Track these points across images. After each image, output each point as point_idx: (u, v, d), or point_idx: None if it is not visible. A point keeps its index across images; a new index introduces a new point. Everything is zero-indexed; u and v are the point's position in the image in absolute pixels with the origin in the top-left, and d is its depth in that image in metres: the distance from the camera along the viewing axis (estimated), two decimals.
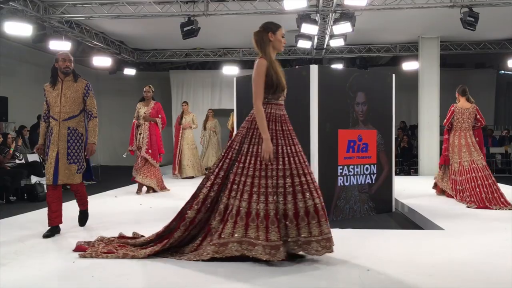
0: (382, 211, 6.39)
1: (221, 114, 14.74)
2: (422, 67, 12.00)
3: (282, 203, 3.52)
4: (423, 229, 5.37)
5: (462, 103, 6.88)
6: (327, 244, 3.51)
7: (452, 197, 6.85)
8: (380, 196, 6.37)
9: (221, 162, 3.72)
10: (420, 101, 11.98)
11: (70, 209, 5.35)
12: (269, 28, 3.77)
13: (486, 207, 6.11)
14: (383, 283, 3.17)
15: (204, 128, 12.45)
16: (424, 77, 11.92)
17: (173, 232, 3.75)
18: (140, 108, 8.07)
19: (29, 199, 8.07)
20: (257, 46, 3.76)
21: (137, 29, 11.68)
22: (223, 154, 3.78)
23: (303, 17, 9.41)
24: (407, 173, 12.25)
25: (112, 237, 4.19)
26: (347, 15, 9.42)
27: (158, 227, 5.02)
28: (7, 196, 8.05)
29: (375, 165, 6.30)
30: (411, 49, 13.20)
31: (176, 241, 3.73)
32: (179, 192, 8.17)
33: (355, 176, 6.07)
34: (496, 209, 6.05)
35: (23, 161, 8.97)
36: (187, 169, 10.82)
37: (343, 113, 5.97)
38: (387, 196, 6.54)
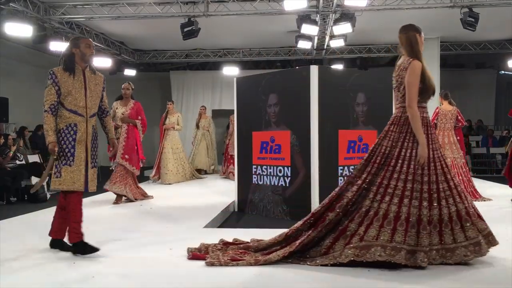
0: None
1: (222, 114, 14.76)
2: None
3: (427, 209, 3.47)
4: None
5: (445, 106, 7.55)
6: (476, 249, 3.46)
7: None
8: None
9: (368, 167, 3.64)
10: None
11: None
12: (417, 29, 3.85)
13: None
14: (383, 283, 3.17)
15: (197, 127, 11.79)
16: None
17: (307, 232, 3.64)
18: (117, 108, 7.16)
19: (30, 200, 8.07)
20: (407, 46, 3.84)
21: (137, 30, 11.68)
22: (367, 158, 3.69)
23: (303, 17, 9.41)
24: None
25: (219, 244, 3.97)
26: (347, 15, 9.42)
27: (160, 228, 5.03)
28: (8, 197, 8.05)
29: None
30: None
31: (309, 241, 3.60)
32: (177, 193, 8.17)
33: None
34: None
35: (23, 162, 8.97)
36: (169, 176, 9.68)
37: (344, 113, 5.98)
38: None
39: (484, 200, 7.00)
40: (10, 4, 8.48)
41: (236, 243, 3.99)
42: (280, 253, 3.60)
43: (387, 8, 9.28)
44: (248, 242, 3.96)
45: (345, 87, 6.01)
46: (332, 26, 10.10)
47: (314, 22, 9.61)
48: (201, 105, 12.61)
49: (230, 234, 4.85)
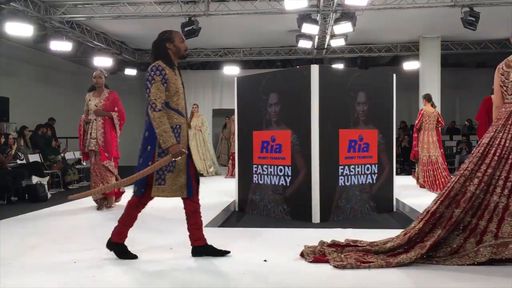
0: (383, 211, 6.39)
1: (222, 114, 14.77)
2: (423, 67, 12.00)
3: None
4: None
5: (428, 108, 8.23)
6: None
7: (424, 187, 8.11)
8: (381, 195, 6.37)
9: (486, 159, 3.60)
10: (421, 101, 11.94)
11: (70, 209, 5.35)
12: None
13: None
14: (384, 283, 3.17)
15: (188, 126, 11.77)
16: (425, 76, 11.91)
17: (433, 232, 3.59)
18: (90, 100, 6.35)
19: (30, 199, 8.07)
20: None
21: (138, 29, 11.69)
22: (482, 151, 3.66)
23: (304, 17, 9.42)
24: (408, 172, 12.20)
25: (325, 246, 3.85)
26: (347, 15, 9.43)
27: (160, 227, 5.03)
28: (8, 197, 8.04)
29: (376, 165, 6.30)
30: (412, 49, 13.20)
31: (438, 241, 3.56)
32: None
33: (356, 176, 6.06)
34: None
35: (24, 161, 8.98)
36: None
37: (344, 113, 5.97)
38: (388, 195, 6.54)
39: None
40: (11, 3, 8.49)
41: (351, 245, 3.86)
42: (411, 255, 3.53)
43: (388, 7, 9.28)
44: (357, 244, 3.86)
45: (345, 86, 6.00)
46: (332, 26, 10.10)
47: (314, 22, 9.61)
48: (193, 103, 11.86)
49: (231, 234, 4.86)
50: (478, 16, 8.98)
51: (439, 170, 7.99)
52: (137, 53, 14.45)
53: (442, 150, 8.45)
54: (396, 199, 6.74)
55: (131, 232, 4.80)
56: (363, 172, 6.15)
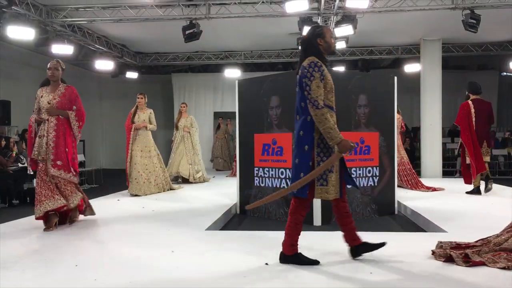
0: (385, 214, 6.38)
1: (224, 117, 14.77)
2: (424, 69, 11.99)
3: None
4: (425, 231, 5.36)
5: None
6: None
7: (401, 186, 8.39)
8: (382, 198, 6.36)
9: None
10: (422, 103, 11.97)
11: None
12: None
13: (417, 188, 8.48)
14: (385, 286, 3.16)
15: (176, 127, 10.31)
16: (426, 79, 11.90)
17: None
18: (42, 96, 5.24)
19: (32, 202, 8.07)
20: None
21: (139, 33, 11.71)
22: None
23: (305, 19, 9.42)
24: None
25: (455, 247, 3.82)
26: (348, 17, 9.43)
27: (162, 230, 5.02)
28: (10, 200, 8.06)
29: (378, 168, 6.30)
30: (413, 51, 13.20)
31: None
32: (179, 195, 8.16)
33: (358, 179, 6.06)
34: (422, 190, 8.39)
35: (25, 164, 8.99)
36: (134, 185, 7.98)
37: (345, 115, 5.97)
38: (390, 198, 6.53)
39: (434, 190, 8.35)
40: (13, 7, 8.52)
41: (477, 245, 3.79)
42: None
43: (389, 10, 9.28)
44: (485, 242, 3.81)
45: (346, 89, 6.00)
46: (333, 28, 10.10)
47: (315, 24, 9.62)
48: (181, 102, 11.20)
49: (232, 237, 4.86)
50: (479, 19, 8.98)
51: (412, 170, 8.75)
52: (138, 56, 14.47)
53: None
54: (398, 201, 6.73)
55: (132, 235, 4.81)
56: (364, 175, 6.14)
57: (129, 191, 8.05)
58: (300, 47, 3.72)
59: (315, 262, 3.60)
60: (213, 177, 11.52)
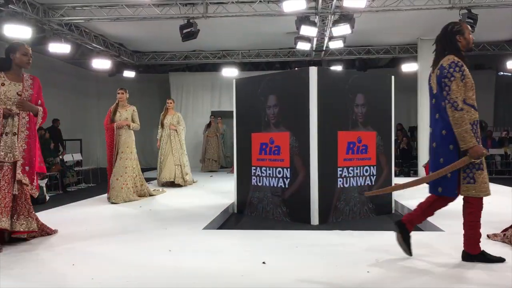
0: (382, 213, 6.39)
1: (222, 116, 14.74)
2: (421, 69, 12.00)
3: None
4: (422, 230, 5.37)
5: None
6: None
7: None
8: (380, 197, 6.37)
9: None
10: (420, 102, 11.98)
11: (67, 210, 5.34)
12: None
13: None
14: (382, 285, 3.17)
15: (161, 125, 9.44)
16: (423, 78, 11.90)
17: None
18: (2, 84, 4.35)
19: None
20: None
21: (136, 32, 11.69)
22: None
23: (302, 19, 9.42)
24: (407, 174, 12.23)
25: None
26: (346, 17, 9.44)
27: (159, 229, 5.02)
28: None
29: (375, 167, 6.30)
30: (410, 51, 13.22)
31: None
32: (176, 195, 8.15)
33: (355, 178, 6.07)
34: None
35: None
36: (111, 191, 7.12)
37: (343, 115, 5.98)
38: (387, 197, 6.54)
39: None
40: (9, 6, 8.49)
41: None
42: None
43: (386, 9, 9.30)
44: None
45: (344, 88, 6.01)
46: (331, 28, 10.12)
47: (313, 24, 9.62)
48: (168, 98, 10.32)
49: (229, 236, 4.86)
50: (476, 18, 9.00)
51: None
52: (136, 55, 14.45)
53: None
54: (395, 201, 6.74)
55: (130, 234, 4.80)
56: (361, 174, 6.15)
57: (109, 199, 7.17)
58: (435, 44, 3.71)
59: (500, 260, 3.56)
60: (211, 176, 11.51)
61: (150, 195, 7.74)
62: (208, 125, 14.00)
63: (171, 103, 9.66)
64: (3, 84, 4.35)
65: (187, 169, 9.44)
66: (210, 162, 13.48)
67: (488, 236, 4.23)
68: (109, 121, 7.46)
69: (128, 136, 7.43)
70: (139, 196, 7.45)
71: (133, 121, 7.56)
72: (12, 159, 4.27)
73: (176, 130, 9.34)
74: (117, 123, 7.39)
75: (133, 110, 7.64)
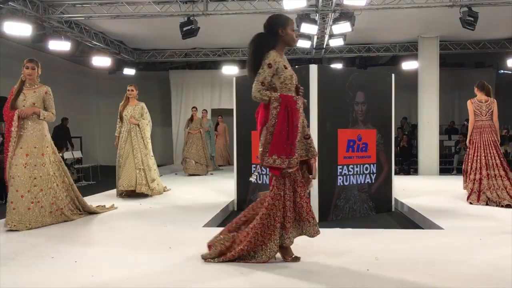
0: (382, 211, 6.40)
1: (222, 114, 14.74)
2: (422, 67, 12.00)
3: None
4: (422, 228, 5.38)
5: None
6: None
7: None
8: (379, 195, 6.37)
9: None
10: (420, 100, 11.97)
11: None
12: None
13: None
14: (382, 283, 3.17)
15: (120, 118, 7.52)
16: (424, 76, 11.91)
17: None
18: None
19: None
20: None
21: (136, 29, 11.68)
22: None
23: (303, 16, 9.41)
24: (407, 172, 12.24)
25: None
26: (346, 14, 9.43)
27: (159, 227, 5.02)
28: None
29: (375, 165, 6.31)
30: (410, 49, 13.21)
31: None
32: (176, 192, 8.15)
33: (355, 176, 6.07)
34: None
35: None
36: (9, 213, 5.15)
37: (343, 112, 5.98)
38: (387, 195, 6.55)
39: None
40: (9, 3, 8.48)
41: None
42: None
43: (386, 7, 9.28)
44: None
45: (344, 86, 6.01)
46: (331, 25, 10.11)
47: (313, 21, 9.61)
48: (129, 84, 7.63)
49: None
50: (476, 16, 8.99)
51: None
52: (136, 52, 14.44)
53: None
54: (395, 198, 6.74)
55: (130, 231, 4.81)
56: (361, 172, 6.15)
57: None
58: None
59: None
60: (211, 174, 11.48)
61: (92, 212, 5.77)
62: (191, 120, 11.58)
63: (132, 90, 7.47)
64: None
65: (153, 174, 7.42)
66: (190, 163, 11.12)
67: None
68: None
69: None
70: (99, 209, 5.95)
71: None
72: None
73: (138, 125, 7.34)
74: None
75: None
